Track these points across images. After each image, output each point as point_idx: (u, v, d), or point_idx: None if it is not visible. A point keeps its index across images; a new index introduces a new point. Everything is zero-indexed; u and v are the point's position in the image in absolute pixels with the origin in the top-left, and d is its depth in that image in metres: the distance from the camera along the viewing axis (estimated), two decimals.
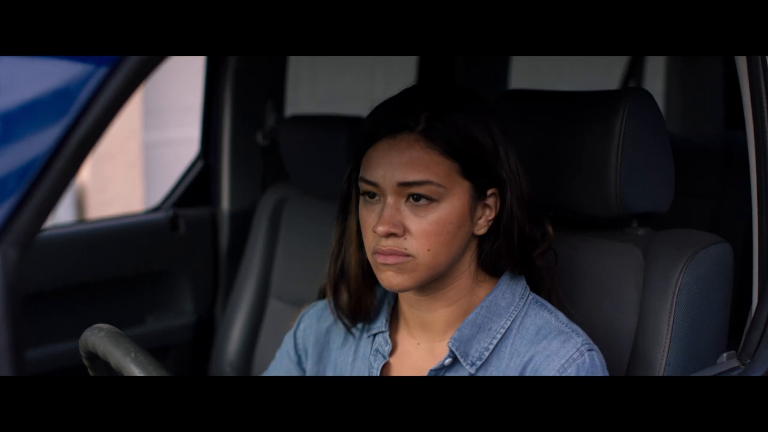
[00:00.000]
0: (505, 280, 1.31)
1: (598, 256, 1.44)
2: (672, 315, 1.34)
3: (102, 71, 0.94)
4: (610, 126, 1.37)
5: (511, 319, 1.30)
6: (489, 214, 1.27)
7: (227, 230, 2.47)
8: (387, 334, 1.36)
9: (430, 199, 1.22)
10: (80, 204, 5.33)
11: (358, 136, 1.29)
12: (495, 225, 1.28)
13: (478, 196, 1.26)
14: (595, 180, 1.39)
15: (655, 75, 3.55)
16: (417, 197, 1.22)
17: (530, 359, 1.25)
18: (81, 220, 3.61)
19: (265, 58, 2.42)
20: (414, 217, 1.23)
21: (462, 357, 1.28)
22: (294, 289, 2.24)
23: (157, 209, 2.47)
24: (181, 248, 2.41)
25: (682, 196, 1.57)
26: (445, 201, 1.23)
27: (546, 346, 1.25)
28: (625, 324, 1.38)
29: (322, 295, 1.48)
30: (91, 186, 5.29)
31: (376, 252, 1.24)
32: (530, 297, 1.32)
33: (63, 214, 5.01)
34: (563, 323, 1.27)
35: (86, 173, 5.33)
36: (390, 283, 1.25)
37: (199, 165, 2.52)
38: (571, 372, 1.22)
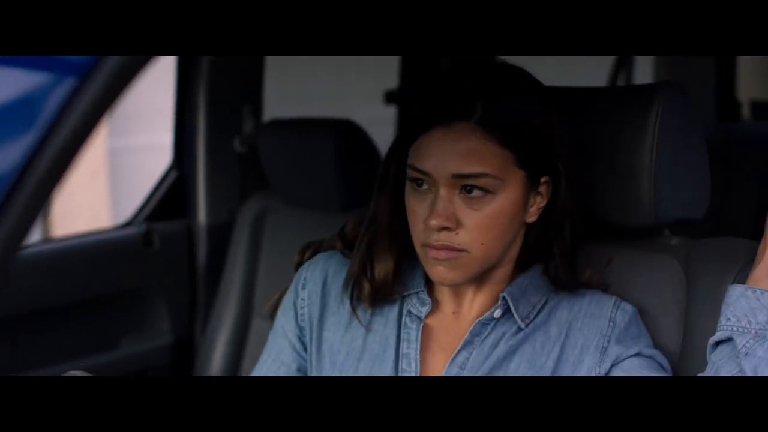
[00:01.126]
0: (537, 267, 1.29)
1: (632, 270, 1.30)
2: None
3: (73, 79, 0.83)
4: (642, 124, 1.24)
5: (545, 298, 1.28)
6: (540, 202, 1.23)
7: (205, 244, 2.31)
8: (424, 294, 1.30)
9: (485, 191, 1.17)
10: (43, 215, 5.13)
11: (410, 118, 1.24)
12: (544, 213, 1.24)
13: (531, 185, 1.21)
14: (626, 185, 1.26)
15: (644, 69, 3.44)
16: (470, 189, 1.17)
17: (579, 308, 1.25)
18: (47, 239, 3.43)
19: (240, 58, 2.25)
20: (468, 209, 1.18)
21: (515, 309, 1.25)
22: None
23: (128, 224, 2.31)
24: (155, 265, 2.25)
25: None
26: (500, 193, 1.18)
27: (586, 299, 1.25)
28: (667, 346, 1.24)
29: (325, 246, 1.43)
30: (54, 194, 5.10)
31: (426, 245, 1.20)
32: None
33: None
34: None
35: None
36: (441, 278, 1.21)
37: (173, 175, 2.35)
38: (619, 317, 1.22)
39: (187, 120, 2.30)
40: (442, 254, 1.18)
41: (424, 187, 1.20)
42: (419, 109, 1.22)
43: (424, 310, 1.29)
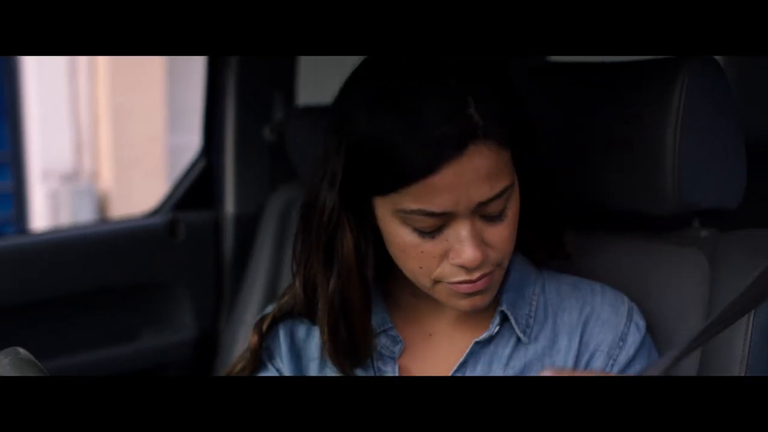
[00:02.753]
0: (518, 254, 1.14)
1: (650, 264, 1.17)
2: (748, 341, 1.05)
3: None
4: (665, 102, 1.10)
5: (538, 284, 1.14)
6: None
7: (231, 236, 2.23)
8: (394, 331, 1.14)
9: (506, 204, 1.02)
10: (103, 211, 5.15)
11: (394, 165, 0.97)
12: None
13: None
14: (646, 169, 1.13)
15: None
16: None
17: (591, 311, 1.10)
18: (74, 226, 3.40)
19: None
20: (489, 227, 1.02)
21: (515, 321, 1.10)
22: None
23: (154, 213, 2.24)
24: (180, 256, 2.17)
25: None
26: (513, 195, 1.03)
27: (597, 296, 1.11)
28: None
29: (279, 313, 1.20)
30: (114, 193, 5.11)
31: (453, 283, 1.03)
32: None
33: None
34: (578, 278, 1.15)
35: (109, 179, 5.15)
36: (475, 306, 1.06)
37: (201, 164, 2.27)
38: (631, 335, 1.09)
39: (217, 107, 2.23)
40: (480, 284, 1.03)
41: (432, 227, 1.01)
42: (412, 151, 0.96)
43: (397, 349, 1.14)
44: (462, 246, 0.99)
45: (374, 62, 1.03)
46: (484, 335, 1.10)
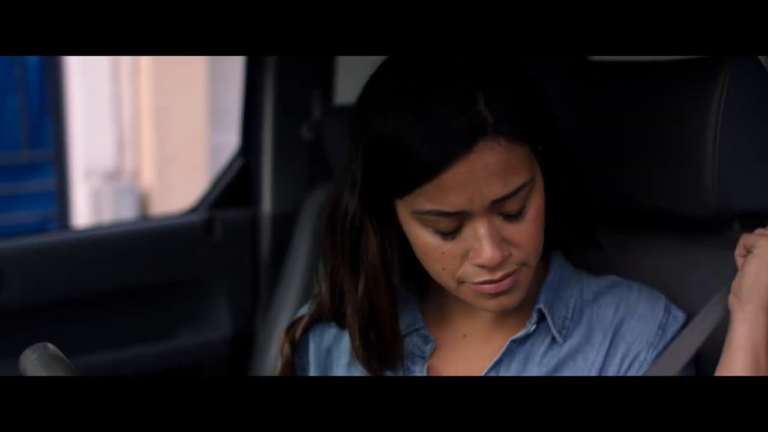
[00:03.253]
0: (556, 255, 1.14)
1: (690, 266, 1.14)
2: None
3: None
4: (705, 102, 1.08)
5: (576, 287, 1.12)
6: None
7: (269, 234, 2.22)
8: (425, 330, 1.14)
9: (525, 201, 1.00)
10: (144, 210, 5.18)
11: (410, 164, 0.96)
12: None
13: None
14: (686, 170, 1.11)
15: None
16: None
17: (627, 308, 1.09)
18: (111, 223, 3.42)
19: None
20: (510, 225, 1.00)
21: (551, 320, 1.08)
22: None
23: (191, 211, 2.24)
24: (217, 254, 2.17)
25: None
26: (534, 192, 1.01)
27: (634, 294, 1.10)
28: None
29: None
30: (155, 190, 5.15)
31: (477, 283, 1.02)
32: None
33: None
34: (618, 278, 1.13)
35: (151, 177, 5.19)
36: (504, 306, 1.04)
37: (239, 163, 2.27)
38: (670, 326, 1.08)
39: (255, 106, 2.22)
40: (505, 284, 1.01)
41: (451, 228, 1.00)
42: (424, 152, 0.95)
43: (428, 348, 1.13)
44: (481, 245, 0.98)
45: (388, 65, 1.03)
46: (521, 333, 1.09)
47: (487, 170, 0.95)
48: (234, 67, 2.26)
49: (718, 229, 1.16)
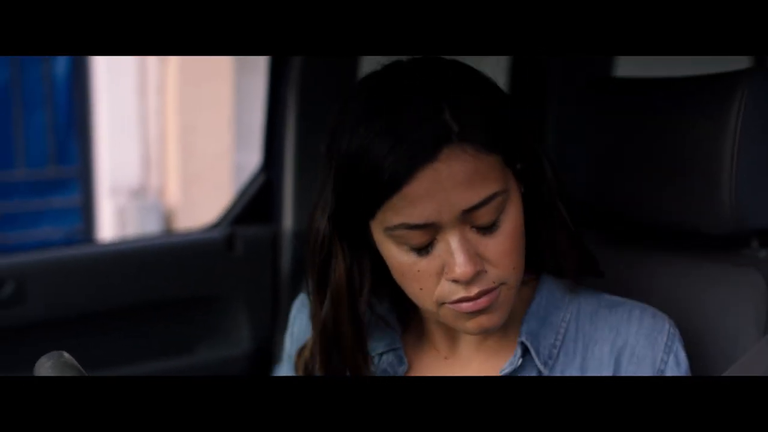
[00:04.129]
0: (545, 277, 1.11)
1: (706, 284, 1.13)
2: None
3: None
4: (722, 118, 1.07)
5: (570, 309, 1.07)
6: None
7: (289, 251, 2.22)
8: (401, 351, 1.12)
9: (497, 214, 0.98)
10: (169, 227, 5.21)
11: (374, 177, 0.95)
12: (528, 200, 1.04)
13: (512, 173, 1.01)
14: (703, 187, 1.10)
15: None
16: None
17: (624, 344, 1.04)
18: (132, 238, 3.43)
19: (333, 57, 2.17)
20: (484, 238, 0.98)
21: (535, 353, 1.05)
22: None
23: (213, 227, 2.25)
24: (237, 270, 2.17)
25: None
26: (509, 205, 0.99)
27: (634, 324, 1.05)
28: None
29: None
30: (180, 208, 5.17)
31: (455, 302, 0.99)
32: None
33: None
34: (620, 299, 1.09)
35: (176, 194, 5.21)
36: (483, 327, 1.01)
37: (261, 179, 2.28)
38: (669, 370, 1.03)
39: (277, 122, 2.23)
40: (482, 302, 0.98)
41: (423, 242, 0.99)
42: (389, 159, 0.94)
43: (401, 369, 1.12)
44: (453, 259, 0.96)
45: (359, 87, 1.04)
46: (506, 368, 1.06)
47: (453, 179, 0.94)
48: (260, 86, 2.26)
49: (736, 247, 1.15)
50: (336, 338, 1.08)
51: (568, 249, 1.06)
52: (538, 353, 1.05)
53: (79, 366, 0.96)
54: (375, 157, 0.94)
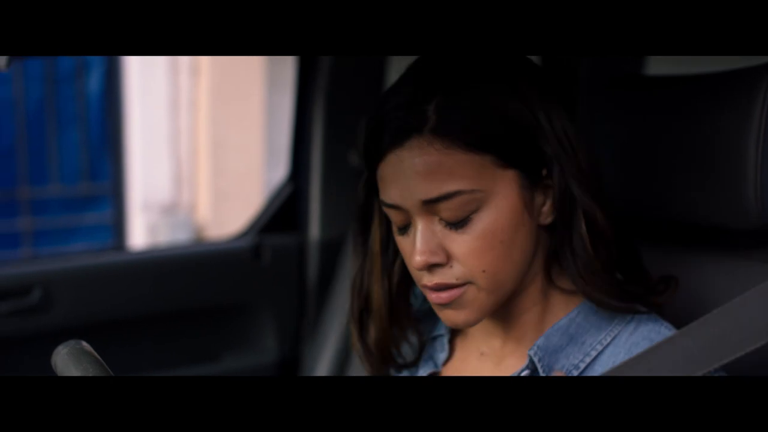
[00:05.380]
0: (585, 302, 1.05)
1: (731, 283, 1.11)
2: None
3: None
4: (746, 111, 1.06)
5: (614, 333, 1.02)
6: (550, 197, 1.01)
7: (316, 261, 2.22)
8: (446, 339, 1.13)
9: (468, 213, 0.97)
10: (198, 241, 5.23)
11: (364, 150, 1.03)
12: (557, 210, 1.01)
13: (532, 182, 0.99)
14: (728, 182, 1.08)
15: None
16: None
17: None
18: (159, 247, 3.45)
19: (361, 68, 2.17)
20: (454, 235, 0.98)
21: (544, 371, 1.02)
22: None
23: (240, 236, 2.25)
24: (264, 279, 2.18)
25: None
26: (487, 206, 0.97)
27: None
28: None
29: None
30: (211, 224, 5.19)
31: (424, 287, 1.01)
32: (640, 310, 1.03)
33: None
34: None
35: (206, 211, 5.24)
36: (453, 322, 1.02)
37: (288, 188, 2.28)
38: None
39: (304, 132, 2.23)
40: (443, 296, 0.99)
41: (402, 222, 1.01)
42: (369, 131, 1.01)
43: (441, 357, 1.13)
44: (414, 244, 0.98)
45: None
46: (515, 373, 1.05)
47: (413, 168, 0.95)
48: (290, 104, 2.27)
49: (763, 243, 1.13)
50: (368, 305, 1.11)
51: (582, 269, 1.01)
52: (546, 369, 1.02)
53: (95, 354, 0.96)
54: (364, 136, 1.01)
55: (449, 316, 1.01)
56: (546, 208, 1.01)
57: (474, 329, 1.11)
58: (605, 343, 1.02)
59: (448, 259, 0.98)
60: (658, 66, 1.41)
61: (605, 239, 1.00)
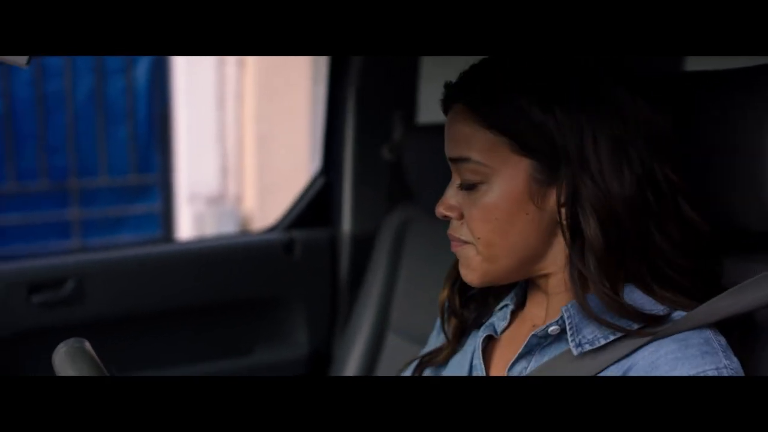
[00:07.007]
0: (630, 285, 1.04)
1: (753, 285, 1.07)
2: None
3: None
4: (764, 109, 1.02)
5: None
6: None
7: (348, 255, 2.22)
8: (509, 310, 1.17)
9: (476, 181, 1.06)
10: (244, 232, 5.26)
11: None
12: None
13: (547, 177, 1.03)
14: (746, 182, 1.05)
15: None
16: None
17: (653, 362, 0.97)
18: (191, 240, 3.46)
19: (393, 62, 2.16)
20: (467, 199, 1.08)
21: (571, 330, 1.04)
22: (414, 324, 1.95)
23: (272, 230, 2.26)
24: (296, 273, 2.18)
25: None
26: (492, 182, 1.05)
27: (677, 348, 0.96)
28: None
29: None
30: (256, 216, 5.22)
31: None
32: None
33: None
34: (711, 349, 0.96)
35: (252, 203, 5.27)
36: (463, 274, 1.11)
37: (320, 182, 2.28)
38: None
39: (337, 126, 2.23)
40: (454, 246, 1.10)
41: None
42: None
43: (501, 326, 1.16)
44: None
45: None
46: (541, 328, 1.08)
47: (450, 130, 1.08)
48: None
49: None
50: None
51: (597, 279, 1.01)
52: (575, 329, 1.04)
53: (93, 354, 0.97)
54: None
55: (460, 269, 1.11)
56: (566, 208, 1.02)
57: (532, 304, 1.15)
58: (624, 337, 1.01)
59: (461, 217, 1.08)
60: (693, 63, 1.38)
61: (614, 249, 1.00)
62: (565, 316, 1.04)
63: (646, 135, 1.01)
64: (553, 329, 1.06)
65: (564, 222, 1.02)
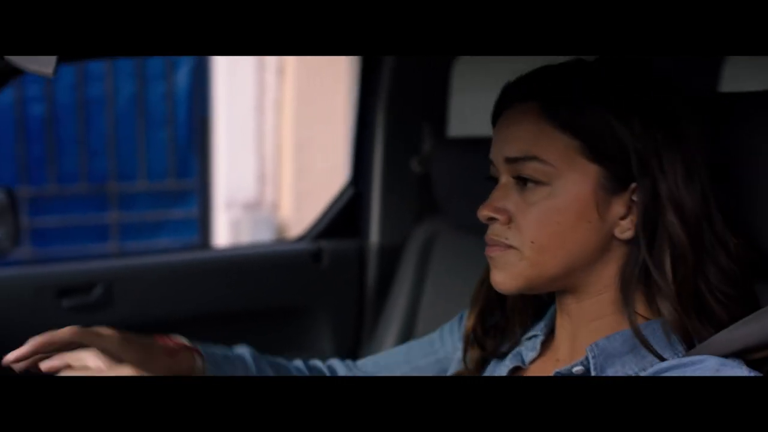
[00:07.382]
0: (655, 321, 1.02)
1: None
2: None
3: None
4: None
5: (680, 354, 0.98)
6: (635, 214, 1.01)
7: (375, 266, 2.22)
8: (539, 340, 1.14)
9: (538, 181, 1.01)
10: (280, 240, 5.29)
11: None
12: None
13: (613, 187, 1.01)
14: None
15: None
16: (524, 178, 1.02)
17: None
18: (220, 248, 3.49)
19: (424, 73, 2.15)
20: (521, 202, 1.03)
21: (595, 371, 1.01)
22: None
23: (300, 239, 2.26)
24: (323, 283, 2.18)
25: None
26: (557, 185, 1.01)
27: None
28: None
29: None
30: (293, 222, 5.24)
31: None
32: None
33: None
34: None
35: (289, 209, 5.29)
36: (493, 280, 1.06)
37: (349, 193, 2.28)
38: None
39: (367, 137, 2.23)
40: (494, 251, 1.04)
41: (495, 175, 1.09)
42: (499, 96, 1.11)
43: (529, 356, 1.13)
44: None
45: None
46: (565, 368, 1.05)
47: (508, 129, 1.04)
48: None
49: None
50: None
51: (672, 309, 0.99)
52: (599, 369, 1.01)
53: None
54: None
55: (493, 275, 1.06)
56: (625, 222, 1.02)
57: (560, 336, 1.11)
58: (669, 364, 0.97)
59: (509, 220, 1.03)
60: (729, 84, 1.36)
61: (686, 272, 0.98)
62: (590, 356, 1.02)
63: (704, 155, 1.01)
64: (577, 369, 1.03)
65: (642, 230, 1.00)
